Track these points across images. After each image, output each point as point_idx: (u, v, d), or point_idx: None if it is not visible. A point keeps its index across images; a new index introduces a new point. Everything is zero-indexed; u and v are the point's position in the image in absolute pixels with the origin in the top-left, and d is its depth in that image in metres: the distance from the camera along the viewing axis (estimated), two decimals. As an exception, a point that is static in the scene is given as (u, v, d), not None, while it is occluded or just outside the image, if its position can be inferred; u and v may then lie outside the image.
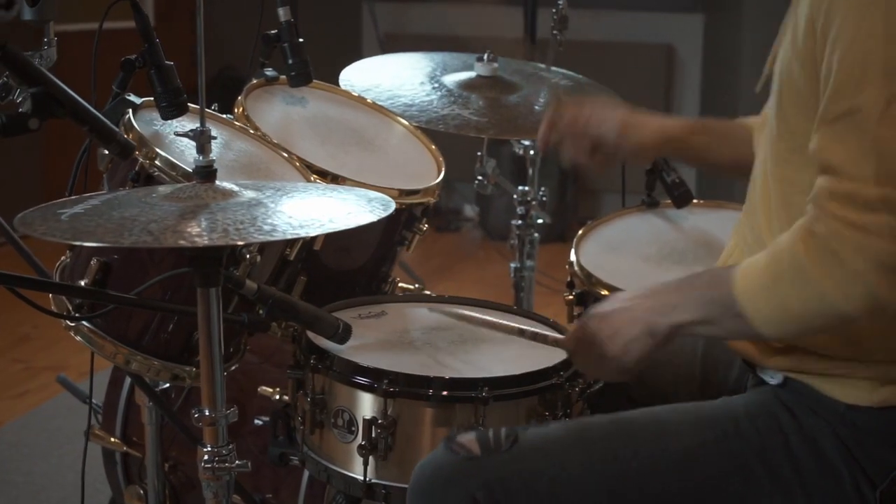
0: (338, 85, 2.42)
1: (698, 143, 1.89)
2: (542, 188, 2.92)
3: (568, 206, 5.72)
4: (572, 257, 2.19)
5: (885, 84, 1.34)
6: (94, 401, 2.31)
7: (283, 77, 2.25)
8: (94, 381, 2.19)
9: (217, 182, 1.57)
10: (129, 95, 1.91)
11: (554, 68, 2.76)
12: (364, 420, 1.67)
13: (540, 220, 2.91)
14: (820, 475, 1.50)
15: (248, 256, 1.83)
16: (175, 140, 1.91)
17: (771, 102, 1.56)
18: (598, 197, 6.03)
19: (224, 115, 2.13)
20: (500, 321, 1.76)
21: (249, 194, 1.53)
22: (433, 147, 2.33)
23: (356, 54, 3.18)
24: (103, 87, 1.89)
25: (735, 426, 1.53)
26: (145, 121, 1.93)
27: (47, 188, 5.12)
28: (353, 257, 2.20)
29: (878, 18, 1.35)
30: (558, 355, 1.76)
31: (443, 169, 2.25)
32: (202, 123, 1.60)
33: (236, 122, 2.13)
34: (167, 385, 2.12)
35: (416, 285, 2.40)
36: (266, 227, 1.42)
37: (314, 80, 2.26)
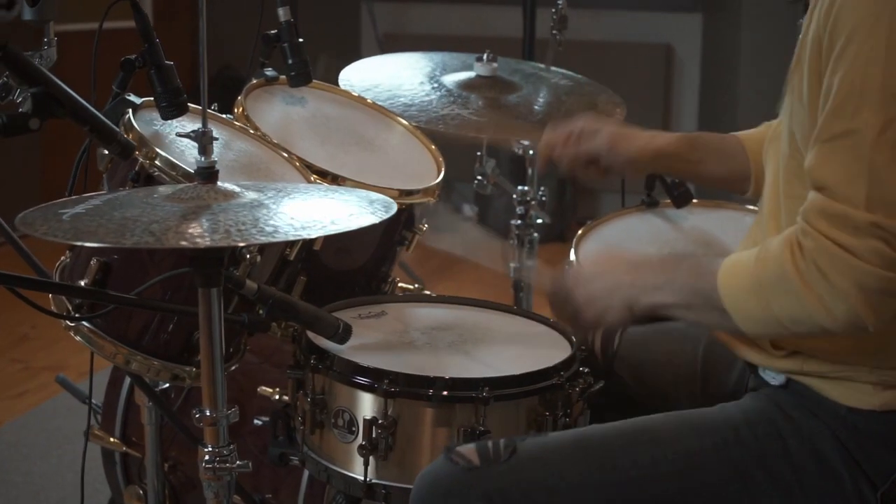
0: (336, 84, 2.42)
1: (690, 158, 1.90)
2: (542, 188, 2.92)
3: (567, 206, 5.73)
4: (572, 257, 2.19)
5: (883, 109, 1.35)
6: (93, 401, 2.31)
7: (283, 77, 2.25)
8: (94, 381, 2.19)
9: (219, 183, 1.57)
10: (129, 95, 1.90)
11: (553, 68, 2.76)
12: (364, 420, 1.67)
13: (539, 220, 2.91)
14: (820, 478, 1.50)
15: (248, 257, 1.83)
16: (175, 140, 1.91)
17: (783, 120, 1.57)
18: (597, 197, 6.03)
19: (224, 115, 2.13)
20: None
21: (251, 195, 1.53)
22: (433, 147, 2.33)
23: (355, 54, 3.18)
24: (103, 87, 1.89)
25: (735, 434, 1.54)
26: (145, 121, 1.93)
27: (46, 188, 5.12)
28: (353, 257, 2.20)
29: (880, 42, 1.35)
30: (559, 355, 1.76)
31: (443, 169, 2.25)
32: (204, 124, 1.60)
33: (236, 122, 2.13)
34: (167, 385, 2.12)
35: (416, 285, 2.40)
36: (268, 229, 1.42)
37: (314, 80, 2.26)
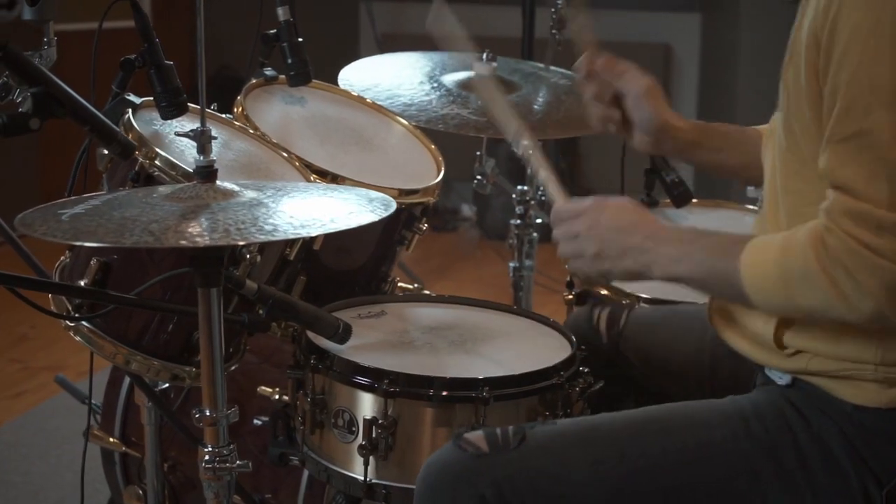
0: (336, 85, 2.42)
1: (709, 145, 1.85)
2: (541, 187, 2.91)
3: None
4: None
5: (894, 107, 1.35)
6: (92, 401, 2.31)
7: (283, 77, 2.25)
8: (93, 380, 2.18)
9: (218, 182, 1.57)
10: (128, 95, 1.90)
11: (553, 68, 2.76)
12: (364, 420, 1.67)
13: (539, 220, 2.91)
14: (827, 474, 1.50)
15: (248, 256, 1.82)
16: (175, 140, 1.91)
17: (779, 115, 1.56)
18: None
19: (223, 115, 2.13)
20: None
21: (250, 194, 1.53)
22: (433, 147, 2.33)
23: (354, 54, 3.18)
24: (103, 87, 1.89)
25: (745, 426, 1.53)
26: (145, 120, 1.93)
27: (45, 188, 5.12)
28: (352, 257, 2.20)
29: (885, 41, 1.35)
30: (559, 355, 1.76)
31: (442, 168, 2.25)
32: (203, 123, 1.60)
33: (236, 122, 2.12)
34: (166, 385, 2.12)
35: (415, 285, 2.40)
36: (267, 227, 1.42)
37: (313, 80, 2.26)
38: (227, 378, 1.60)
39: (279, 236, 1.42)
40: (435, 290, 2.52)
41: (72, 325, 1.85)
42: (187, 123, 1.81)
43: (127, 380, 2.29)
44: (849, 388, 1.50)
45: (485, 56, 2.56)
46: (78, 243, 1.49)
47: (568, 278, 2.19)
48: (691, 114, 5.99)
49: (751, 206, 2.51)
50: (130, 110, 1.89)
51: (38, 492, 3.07)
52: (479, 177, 2.84)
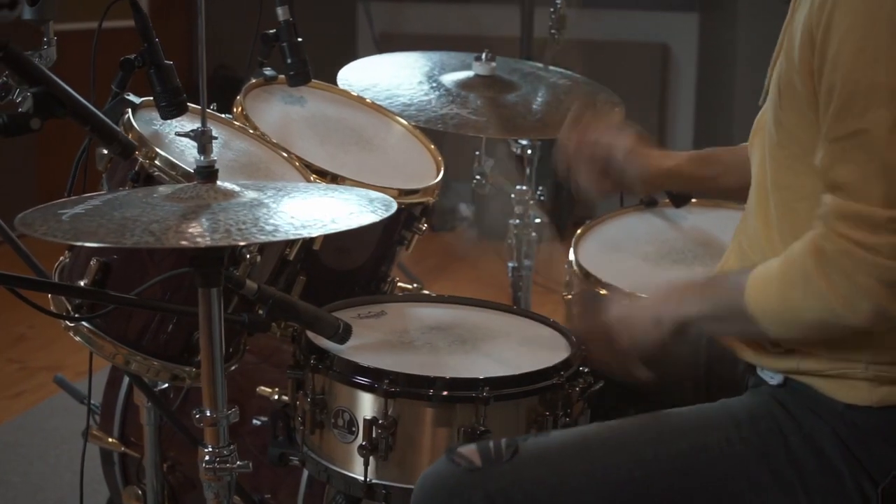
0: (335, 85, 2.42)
1: (706, 175, 1.90)
2: (540, 187, 2.92)
3: (566, 206, 5.72)
4: (571, 256, 2.19)
5: (892, 106, 1.35)
6: (91, 401, 2.30)
7: (282, 76, 2.25)
8: (92, 380, 2.18)
9: (218, 182, 1.57)
10: (128, 95, 1.90)
11: (552, 67, 2.76)
12: (364, 420, 1.67)
13: (538, 220, 2.91)
14: (821, 474, 1.51)
15: (248, 256, 1.82)
16: (175, 140, 1.91)
17: (768, 109, 1.56)
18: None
19: (222, 115, 2.13)
20: None
21: (251, 194, 1.53)
22: (432, 146, 2.33)
23: (352, 54, 3.18)
24: (102, 87, 1.89)
25: (737, 430, 1.54)
26: (145, 120, 1.93)
27: (43, 188, 5.11)
28: (352, 257, 2.20)
29: (881, 40, 1.35)
30: (559, 355, 1.76)
31: (442, 168, 2.25)
32: (203, 123, 1.60)
33: (235, 122, 2.12)
34: (165, 385, 2.12)
35: (415, 285, 2.40)
36: (268, 228, 1.42)
37: (313, 80, 2.26)
38: (226, 378, 1.60)
39: (280, 237, 1.42)
40: (433, 290, 2.52)
41: (71, 325, 1.85)
42: (187, 123, 1.81)
43: (126, 380, 2.28)
44: (840, 387, 1.50)
45: (484, 56, 2.56)
46: (79, 243, 1.49)
47: (567, 278, 2.19)
48: (689, 113, 6.00)
49: (750, 207, 2.51)
50: (130, 110, 1.89)
51: (37, 492, 3.07)
52: (477, 176, 2.85)
